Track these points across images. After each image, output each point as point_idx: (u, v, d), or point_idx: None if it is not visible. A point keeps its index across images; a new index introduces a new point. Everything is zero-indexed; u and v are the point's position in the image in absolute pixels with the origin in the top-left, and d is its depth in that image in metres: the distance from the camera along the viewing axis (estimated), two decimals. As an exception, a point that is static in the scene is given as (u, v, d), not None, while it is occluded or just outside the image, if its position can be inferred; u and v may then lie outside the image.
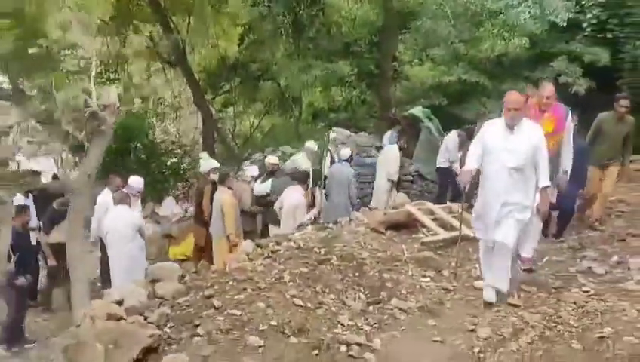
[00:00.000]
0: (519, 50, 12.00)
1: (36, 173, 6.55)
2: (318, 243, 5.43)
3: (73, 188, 2.94)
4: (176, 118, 14.17)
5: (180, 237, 8.73)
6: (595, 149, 6.67)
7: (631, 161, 7.45)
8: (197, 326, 3.51)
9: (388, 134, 9.93)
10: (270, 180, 7.82)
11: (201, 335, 3.40)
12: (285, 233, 6.31)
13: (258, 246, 5.45)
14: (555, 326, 3.92)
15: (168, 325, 3.58)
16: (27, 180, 5.50)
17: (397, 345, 3.69)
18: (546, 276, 5.21)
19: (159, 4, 9.91)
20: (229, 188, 6.93)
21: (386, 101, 12.93)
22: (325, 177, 8.10)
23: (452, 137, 8.71)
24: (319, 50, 12.44)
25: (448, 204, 7.15)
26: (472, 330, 3.95)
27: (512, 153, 4.39)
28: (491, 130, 4.57)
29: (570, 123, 5.33)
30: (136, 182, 6.77)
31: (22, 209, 5.85)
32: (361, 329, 3.88)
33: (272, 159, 8.24)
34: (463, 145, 7.99)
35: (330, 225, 6.21)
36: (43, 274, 7.08)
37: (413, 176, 10.94)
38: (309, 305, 4.07)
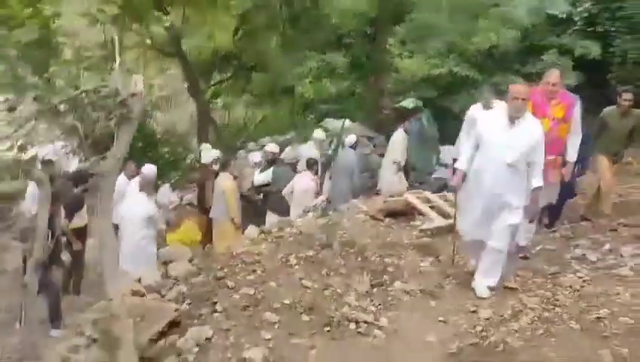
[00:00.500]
0: (510, 43, 12.16)
1: (50, 162, 6.62)
2: (320, 229, 5.54)
3: (103, 170, 3.02)
4: (170, 107, 14.18)
5: (176, 224, 8.81)
6: (602, 142, 6.62)
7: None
8: (215, 303, 3.63)
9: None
10: (271, 169, 7.86)
11: (219, 312, 3.52)
12: (289, 218, 6.43)
13: (262, 231, 5.56)
14: (554, 308, 4.07)
15: (186, 302, 3.68)
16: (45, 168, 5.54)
17: (403, 323, 3.82)
18: (541, 263, 5.38)
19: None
20: (232, 175, 7.02)
21: (378, 93, 13.04)
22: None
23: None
24: (313, 42, 12.50)
25: (444, 192, 7.29)
26: (474, 311, 4.08)
27: (511, 148, 4.21)
28: (489, 120, 4.44)
29: (578, 112, 5.26)
30: (151, 170, 6.81)
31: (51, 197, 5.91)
32: (367, 309, 3.99)
33: (271, 147, 8.31)
34: None
35: (331, 212, 6.32)
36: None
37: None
38: (317, 286, 4.19)
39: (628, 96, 6.43)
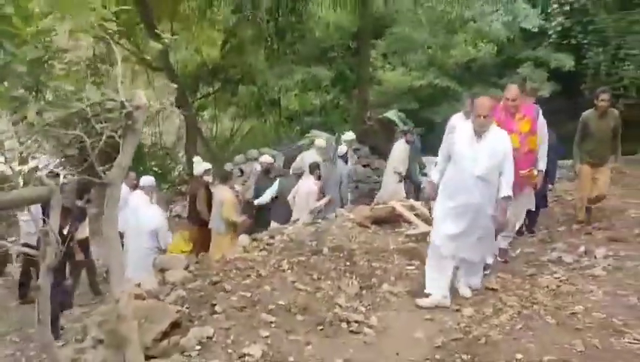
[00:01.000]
0: (487, 57, 12.61)
1: (57, 175, 6.73)
2: (310, 236, 5.76)
3: (109, 180, 3.20)
4: (158, 120, 14.32)
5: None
6: (584, 148, 6.62)
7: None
8: (214, 305, 3.81)
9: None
10: (277, 182, 8.04)
11: (219, 313, 3.71)
12: (280, 226, 6.65)
13: (254, 239, 5.77)
14: (532, 306, 4.33)
15: (186, 305, 3.87)
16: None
17: (391, 321, 4.05)
18: (519, 265, 5.65)
19: (146, 8, 10.11)
20: (231, 187, 7.26)
21: (362, 104, 13.38)
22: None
23: None
24: (298, 56, 12.83)
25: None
26: (457, 310, 4.33)
27: (478, 161, 4.28)
28: (459, 136, 4.47)
29: (542, 122, 5.34)
30: (150, 180, 7.00)
31: (64, 210, 5.93)
32: (358, 309, 4.22)
33: (266, 158, 8.50)
34: None
35: (319, 220, 6.55)
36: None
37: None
38: (309, 289, 4.40)
39: (605, 96, 6.46)
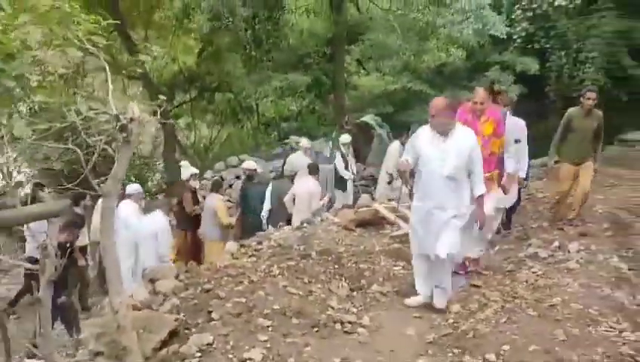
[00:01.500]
0: (458, 61, 12.98)
1: (41, 185, 6.73)
2: (297, 241, 5.88)
3: (105, 191, 3.27)
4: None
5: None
6: (567, 145, 6.69)
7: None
8: (210, 312, 3.89)
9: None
10: (270, 186, 8.11)
11: (216, 320, 3.79)
12: (267, 232, 6.76)
13: (241, 246, 5.86)
14: (513, 300, 4.56)
15: (181, 314, 3.94)
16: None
17: (383, 320, 4.21)
18: (499, 261, 5.90)
19: (119, 17, 10.10)
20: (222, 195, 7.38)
21: (339, 109, 13.58)
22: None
23: None
24: (275, 63, 12.97)
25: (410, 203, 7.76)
26: (445, 307, 4.53)
27: (445, 161, 4.27)
28: (423, 137, 4.43)
29: (521, 127, 5.50)
30: (137, 188, 7.02)
31: (70, 224, 5.79)
32: (350, 310, 4.37)
33: (249, 164, 8.58)
34: None
35: (305, 225, 6.68)
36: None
37: (367, 180, 11.61)
38: (301, 292, 4.52)
39: (592, 95, 6.51)
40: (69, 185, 3.49)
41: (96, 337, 3.44)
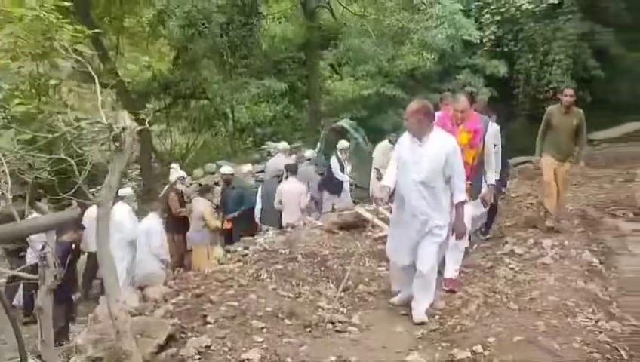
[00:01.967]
0: (430, 65, 13.28)
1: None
2: (282, 245, 5.99)
3: (99, 200, 3.33)
4: (108, 139, 14.01)
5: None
6: (548, 143, 6.67)
7: (529, 161, 8.10)
8: (205, 316, 3.98)
9: None
10: (260, 188, 8.37)
11: (211, 323, 3.87)
12: (254, 238, 6.86)
13: (227, 251, 5.94)
14: (494, 295, 4.74)
15: (176, 318, 4.00)
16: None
17: (372, 319, 4.36)
18: (478, 260, 6.11)
19: (91, 24, 10.03)
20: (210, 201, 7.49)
21: (314, 114, 13.72)
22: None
23: None
24: (251, 69, 13.04)
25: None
26: (430, 305, 4.69)
27: (420, 166, 4.16)
28: (404, 143, 4.37)
29: (490, 136, 5.28)
30: (128, 191, 7.17)
31: (73, 224, 5.77)
32: (339, 310, 4.51)
33: (226, 169, 8.69)
34: None
35: (289, 229, 6.79)
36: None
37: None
38: (291, 295, 4.65)
39: (569, 91, 6.51)
40: (65, 195, 3.52)
41: (94, 343, 3.48)
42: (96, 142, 3.53)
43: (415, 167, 4.19)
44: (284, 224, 7.42)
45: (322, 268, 5.39)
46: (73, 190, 3.54)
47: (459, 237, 4.46)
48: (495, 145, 5.78)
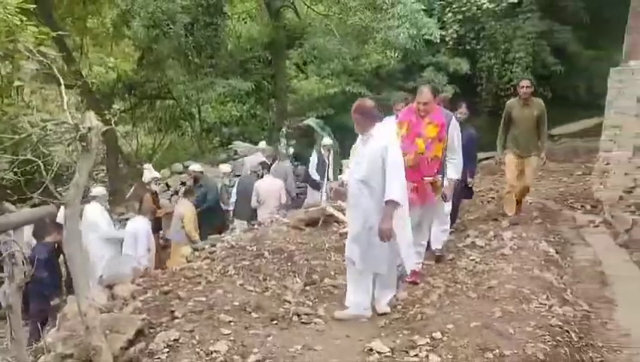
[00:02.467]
0: (394, 63, 13.51)
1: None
2: (250, 242, 6.07)
3: (67, 200, 3.37)
4: (75, 139, 13.79)
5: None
6: (510, 138, 6.67)
7: (492, 157, 8.33)
8: (172, 311, 4.03)
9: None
10: (235, 186, 8.66)
11: (179, 318, 3.93)
12: (222, 236, 6.93)
13: (195, 249, 5.99)
14: (455, 285, 4.95)
15: (144, 314, 4.05)
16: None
17: (338, 310, 4.48)
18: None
19: (54, 25, 9.88)
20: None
21: (280, 113, 13.80)
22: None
23: None
24: (217, 69, 13.03)
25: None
26: (393, 296, 4.86)
27: (360, 165, 4.14)
28: (357, 140, 4.35)
29: (453, 130, 5.20)
30: (101, 191, 7.24)
31: (57, 225, 5.85)
32: (305, 303, 4.62)
33: (195, 167, 8.77)
34: None
35: (256, 226, 6.87)
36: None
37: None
38: (258, 289, 4.74)
39: (525, 82, 6.54)
40: (32, 195, 3.55)
41: (64, 340, 3.51)
42: (62, 142, 3.56)
43: (357, 166, 4.21)
44: (260, 220, 7.57)
45: (289, 264, 5.48)
46: (40, 190, 3.56)
47: (382, 238, 4.11)
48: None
